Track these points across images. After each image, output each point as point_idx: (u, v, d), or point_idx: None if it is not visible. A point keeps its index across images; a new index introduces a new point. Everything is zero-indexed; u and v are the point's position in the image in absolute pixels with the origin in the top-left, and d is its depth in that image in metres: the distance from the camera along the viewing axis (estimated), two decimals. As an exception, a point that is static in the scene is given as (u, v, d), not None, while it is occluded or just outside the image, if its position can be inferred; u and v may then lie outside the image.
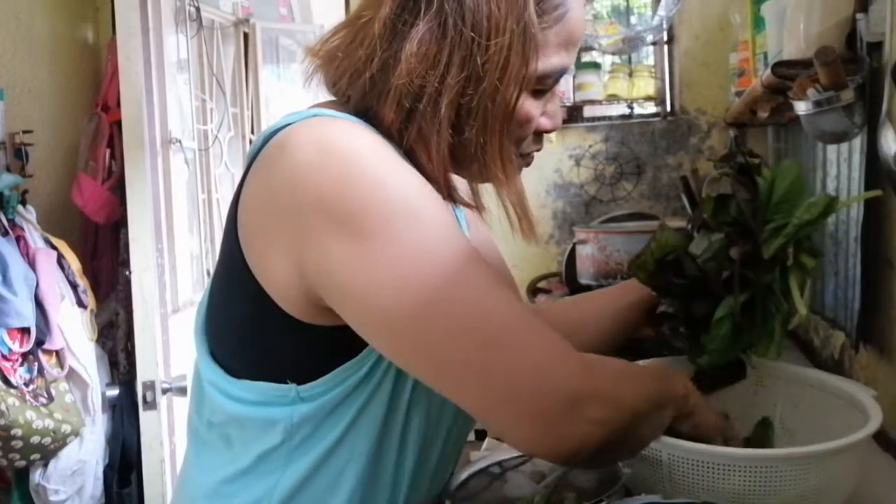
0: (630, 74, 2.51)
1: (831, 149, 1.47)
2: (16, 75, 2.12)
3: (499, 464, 0.87)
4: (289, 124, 0.68)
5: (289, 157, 0.64)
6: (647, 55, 2.63)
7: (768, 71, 1.33)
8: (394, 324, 0.62)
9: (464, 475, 0.84)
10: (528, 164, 0.78)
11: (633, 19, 2.61)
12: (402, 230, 0.62)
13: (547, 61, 0.69)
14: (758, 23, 1.64)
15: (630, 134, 2.55)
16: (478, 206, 0.80)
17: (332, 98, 0.75)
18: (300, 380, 0.69)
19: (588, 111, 2.59)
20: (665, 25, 2.36)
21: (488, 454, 0.89)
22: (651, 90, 2.50)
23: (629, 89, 2.50)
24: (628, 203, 2.54)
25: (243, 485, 0.73)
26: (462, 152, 0.70)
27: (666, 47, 2.54)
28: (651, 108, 2.56)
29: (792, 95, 1.21)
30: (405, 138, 0.68)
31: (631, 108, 2.55)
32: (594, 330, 0.99)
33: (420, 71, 0.66)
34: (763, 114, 1.72)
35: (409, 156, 0.69)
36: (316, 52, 0.74)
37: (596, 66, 2.55)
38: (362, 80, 0.69)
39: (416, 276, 0.61)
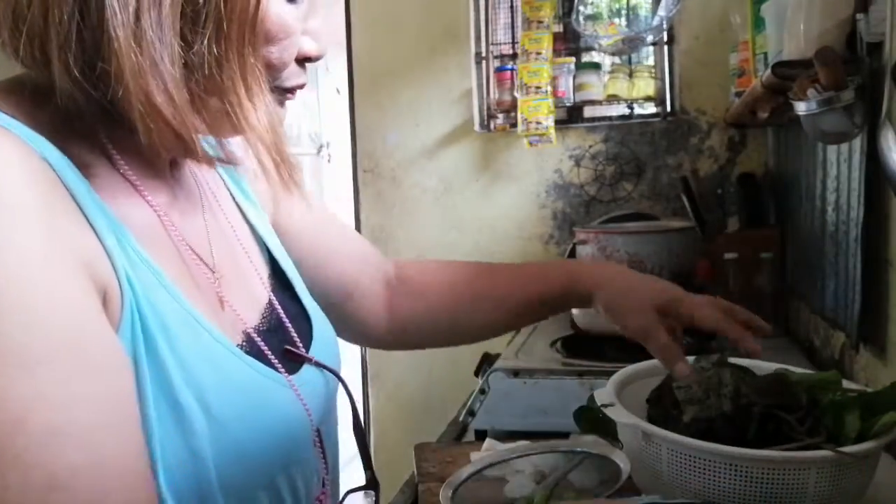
0: (630, 75, 2.51)
1: (831, 149, 1.48)
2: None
3: (499, 464, 0.87)
4: None
5: None
6: (647, 55, 2.62)
7: (768, 71, 1.34)
8: None
9: (464, 475, 0.84)
10: (288, 99, 0.63)
11: (633, 19, 2.60)
12: None
13: None
14: (758, 23, 1.64)
15: (630, 134, 2.55)
16: (230, 160, 0.64)
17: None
18: None
19: (588, 111, 2.58)
20: (665, 26, 2.36)
21: (488, 454, 0.89)
22: (651, 90, 2.50)
23: (629, 90, 2.50)
24: (628, 203, 2.54)
25: None
26: (201, 78, 0.53)
27: (666, 47, 2.54)
28: (651, 108, 2.56)
29: (792, 96, 1.21)
30: (124, 76, 0.50)
31: (631, 108, 2.55)
32: (493, 307, 0.95)
33: None
34: (763, 114, 1.72)
35: (129, 111, 0.52)
36: None
37: (596, 66, 2.55)
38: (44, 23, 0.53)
39: None
